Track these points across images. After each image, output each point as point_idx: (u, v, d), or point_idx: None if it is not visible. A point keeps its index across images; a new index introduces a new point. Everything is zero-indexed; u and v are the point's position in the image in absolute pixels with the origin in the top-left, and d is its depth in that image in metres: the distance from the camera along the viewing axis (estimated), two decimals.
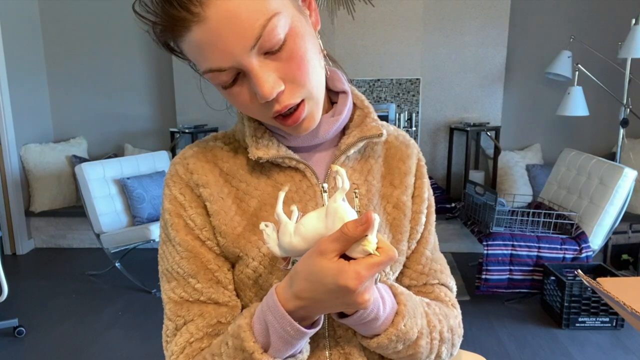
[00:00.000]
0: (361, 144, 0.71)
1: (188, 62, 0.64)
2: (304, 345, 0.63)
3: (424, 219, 0.76)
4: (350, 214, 0.54)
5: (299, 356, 0.62)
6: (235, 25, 0.54)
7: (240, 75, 0.59)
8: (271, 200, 0.68)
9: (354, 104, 0.74)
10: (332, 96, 0.74)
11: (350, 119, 0.73)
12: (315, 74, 0.61)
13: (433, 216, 0.79)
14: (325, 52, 0.67)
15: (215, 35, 0.54)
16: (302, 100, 0.61)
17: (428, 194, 0.78)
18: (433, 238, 0.79)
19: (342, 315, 0.62)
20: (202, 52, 0.57)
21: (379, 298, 0.62)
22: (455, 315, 0.76)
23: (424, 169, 0.78)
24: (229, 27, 0.54)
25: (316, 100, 0.63)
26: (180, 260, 0.69)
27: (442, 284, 0.78)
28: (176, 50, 0.62)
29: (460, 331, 0.76)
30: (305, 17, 0.61)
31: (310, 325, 0.59)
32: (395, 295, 0.66)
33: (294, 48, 0.58)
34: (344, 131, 0.73)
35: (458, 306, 0.79)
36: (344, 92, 0.73)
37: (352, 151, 0.71)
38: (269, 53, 0.57)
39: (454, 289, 0.81)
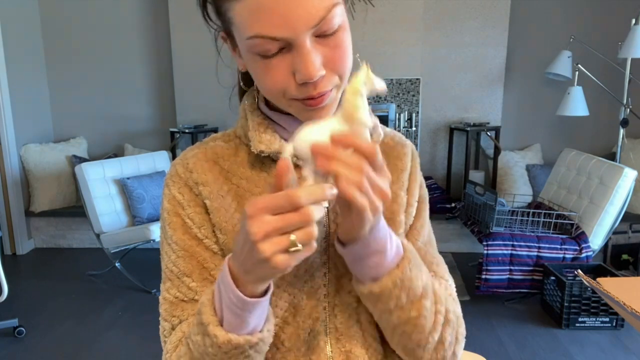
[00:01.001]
0: None
1: (217, 30, 0.65)
2: (264, 324, 0.60)
3: (413, 211, 0.76)
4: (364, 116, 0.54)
5: (257, 334, 0.59)
6: (306, 1, 0.55)
7: (284, 50, 0.59)
8: None
9: None
10: None
11: None
12: (349, 70, 0.64)
13: (426, 212, 0.79)
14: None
15: (283, 3, 0.55)
16: (331, 89, 0.62)
17: (421, 189, 0.79)
18: (427, 233, 0.79)
19: (350, 244, 0.60)
20: (260, 16, 0.56)
21: (386, 231, 0.61)
22: (458, 307, 0.74)
23: (418, 166, 0.80)
24: (300, 0, 0.56)
25: (339, 92, 0.65)
26: (177, 259, 0.69)
27: (440, 277, 0.76)
28: (208, 13, 0.64)
29: (463, 329, 0.74)
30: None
31: (263, 294, 0.57)
32: (401, 243, 0.65)
33: (342, 38, 0.61)
34: None
35: (458, 302, 0.77)
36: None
37: None
38: (321, 37, 0.58)
39: (453, 286, 0.79)
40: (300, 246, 0.49)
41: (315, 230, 0.50)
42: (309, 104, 0.61)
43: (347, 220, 0.58)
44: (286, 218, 0.49)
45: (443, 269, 0.77)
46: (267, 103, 0.73)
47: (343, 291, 0.69)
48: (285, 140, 0.69)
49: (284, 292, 0.68)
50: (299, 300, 0.68)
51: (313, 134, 0.54)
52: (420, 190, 0.78)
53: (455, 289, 0.79)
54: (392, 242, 0.62)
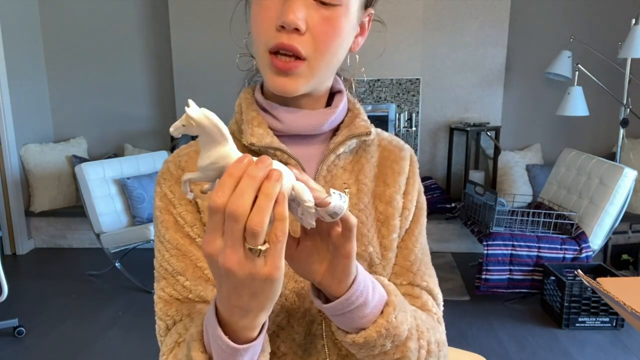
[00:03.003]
0: (350, 143, 0.72)
1: None
2: (258, 357, 0.54)
3: (410, 215, 0.75)
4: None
5: None
6: None
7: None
8: None
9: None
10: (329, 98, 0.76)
11: (342, 120, 0.75)
12: (331, 56, 0.64)
13: (424, 219, 0.78)
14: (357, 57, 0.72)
15: None
16: (303, 60, 0.62)
17: (419, 196, 0.78)
18: (424, 240, 0.78)
19: (327, 301, 0.58)
20: None
21: (368, 280, 0.58)
22: (441, 331, 0.72)
23: (417, 170, 0.79)
24: None
25: (313, 74, 0.64)
26: (170, 258, 0.68)
27: (429, 291, 0.75)
28: None
29: (445, 350, 0.71)
30: (355, 26, 0.67)
31: (255, 338, 0.52)
32: (383, 285, 0.62)
33: (339, 18, 0.61)
34: (335, 132, 0.75)
35: (443, 323, 0.75)
36: (340, 92, 0.75)
37: (341, 150, 0.71)
38: (319, 2, 0.60)
39: (441, 303, 0.77)
40: (264, 247, 0.44)
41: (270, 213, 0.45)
42: (276, 63, 0.62)
43: (328, 272, 0.56)
44: (234, 227, 0.44)
45: (433, 281, 0.76)
46: (263, 92, 0.73)
47: None
48: (277, 134, 0.70)
49: None
50: (291, 303, 0.67)
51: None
52: (419, 196, 0.77)
53: (442, 304, 0.77)
54: (374, 290, 0.59)
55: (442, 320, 0.74)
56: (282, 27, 0.60)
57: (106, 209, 3.32)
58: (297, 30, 0.60)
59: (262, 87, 0.75)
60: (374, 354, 0.61)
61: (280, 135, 0.70)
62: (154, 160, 3.71)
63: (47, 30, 4.29)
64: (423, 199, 0.79)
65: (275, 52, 0.62)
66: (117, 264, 3.34)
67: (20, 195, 3.98)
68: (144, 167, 3.63)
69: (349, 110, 0.76)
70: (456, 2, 3.84)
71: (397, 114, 3.96)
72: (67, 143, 4.26)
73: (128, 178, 3.45)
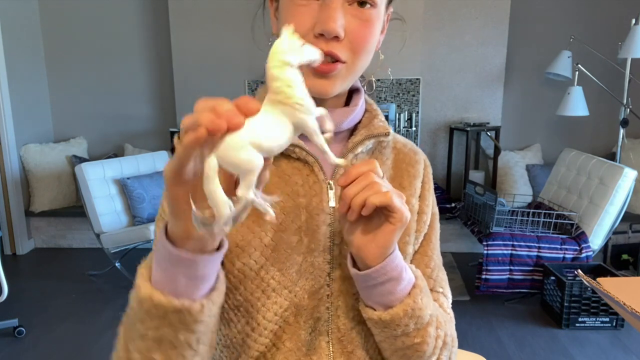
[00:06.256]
0: (369, 143, 0.71)
1: None
2: (202, 295, 0.53)
3: (428, 219, 0.76)
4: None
5: (184, 300, 0.51)
6: None
7: (315, 1, 0.61)
8: (276, 191, 0.68)
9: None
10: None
11: (359, 120, 0.75)
12: (367, 57, 0.65)
13: (438, 223, 0.79)
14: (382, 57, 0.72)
15: None
16: (343, 63, 0.62)
17: (432, 198, 0.79)
18: (438, 244, 0.79)
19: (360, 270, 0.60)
20: None
21: (402, 260, 0.61)
22: (454, 328, 0.74)
23: (430, 175, 0.80)
24: None
25: (350, 75, 0.64)
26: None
27: (444, 295, 0.77)
28: None
29: (456, 347, 0.74)
30: (382, 25, 0.68)
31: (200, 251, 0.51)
32: (411, 270, 0.65)
33: (374, 19, 0.62)
34: (353, 132, 0.74)
35: (454, 320, 0.78)
36: (357, 90, 0.76)
37: (359, 149, 0.71)
38: (354, 5, 0.60)
39: (450, 300, 0.80)
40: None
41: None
42: (317, 68, 0.60)
43: (371, 240, 0.59)
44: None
45: (447, 286, 0.79)
46: None
47: (348, 293, 0.69)
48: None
49: (284, 289, 0.67)
50: (300, 300, 0.67)
51: (242, 136, 0.42)
52: (432, 203, 0.78)
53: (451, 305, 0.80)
54: (406, 271, 0.62)
55: (452, 316, 0.77)
56: (321, 34, 0.60)
57: (106, 209, 3.32)
58: (336, 37, 0.60)
59: None
60: (397, 334, 0.63)
61: None
62: (154, 160, 3.71)
63: (47, 30, 4.29)
64: (435, 203, 0.80)
65: None
66: (117, 264, 3.34)
67: (20, 195, 3.97)
68: (144, 167, 3.63)
69: (366, 110, 0.76)
70: (456, 2, 3.84)
71: (397, 114, 3.96)
72: (67, 143, 4.26)
73: (128, 178, 3.45)
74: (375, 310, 0.63)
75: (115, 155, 4.23)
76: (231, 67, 3.98)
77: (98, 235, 3.30)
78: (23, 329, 2.69)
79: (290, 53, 0.43)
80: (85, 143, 4.36)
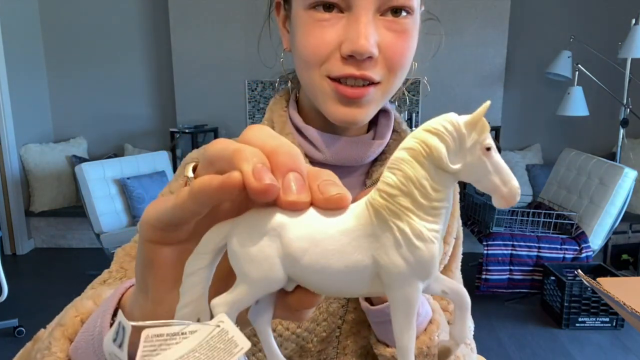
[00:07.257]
0: None
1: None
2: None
3: (450, 250, 0.73)
4: None
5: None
6: None
7: (341, 14, 0.51)
8: None
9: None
10: None
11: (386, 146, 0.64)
12: (404, 73, 0.55)
13: (460, 249, 0.76)
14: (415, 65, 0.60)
15: None
16: (377, 84, 0.53)
17: (458, 223, 0.74)
18: (459, 273, 0.76)
19: (373, 304, 0.56)
20: None
21: None
22: (473, 355, 0.69)
23: (457, 197, 0.75)
24: None
25: (384, 97, 0.55)
26: None
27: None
28: None
29: None
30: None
31: None
32: (429, 303, 0.60)
33: (409, 30, 0.52)
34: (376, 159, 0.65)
35: (475, 352, 0.72)
36: (386, 112, 0.65)
37: None
38: (387, 15, 0.51)
39: (472, 327, 0.75)
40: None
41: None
42: (343, 91, 0.51)
43: None
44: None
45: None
46: (300, 109, 0.62)
47: (358, 334, 0.64)
48: (313, 162, 0.58)
49: (297, 338, 0.61)
50: (308, 342, 0.63)
51: (292, 228, 0.27)
52: (458, 229, 0.73)
53: (473, 332, 0.74)
54: (422, 305, 0.57)
55: (475, 348, 0.71)
56: (351, 56, 0.50)
57: (106, 209, 3.32)
58: (369, 57, 0.50)
59: (296, 99, 0.64)
60: None
61: (317, 164, 0.59)
62: (153, 160, 3.71)
63: (47, 31, 4.29)
64: (461, 228, 0.74)
65: (339, 78, 0.52)
66: None
67: (20, 195, 3.97)
68: (144, 167, 3.63)
69: (393, 130, 0.66)
70: (456, 2, 3.84)
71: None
72: (67, 143, 4.25)
73: (128, 178, 3.45)
74: (387, 347, 0.58)
75: (115, 155, 4.23)
76: (231, 67, 3.98)
77: (98, 235, 3.30)
78: (23, 329, 2.69)
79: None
80: (85, 143, 4.36)
